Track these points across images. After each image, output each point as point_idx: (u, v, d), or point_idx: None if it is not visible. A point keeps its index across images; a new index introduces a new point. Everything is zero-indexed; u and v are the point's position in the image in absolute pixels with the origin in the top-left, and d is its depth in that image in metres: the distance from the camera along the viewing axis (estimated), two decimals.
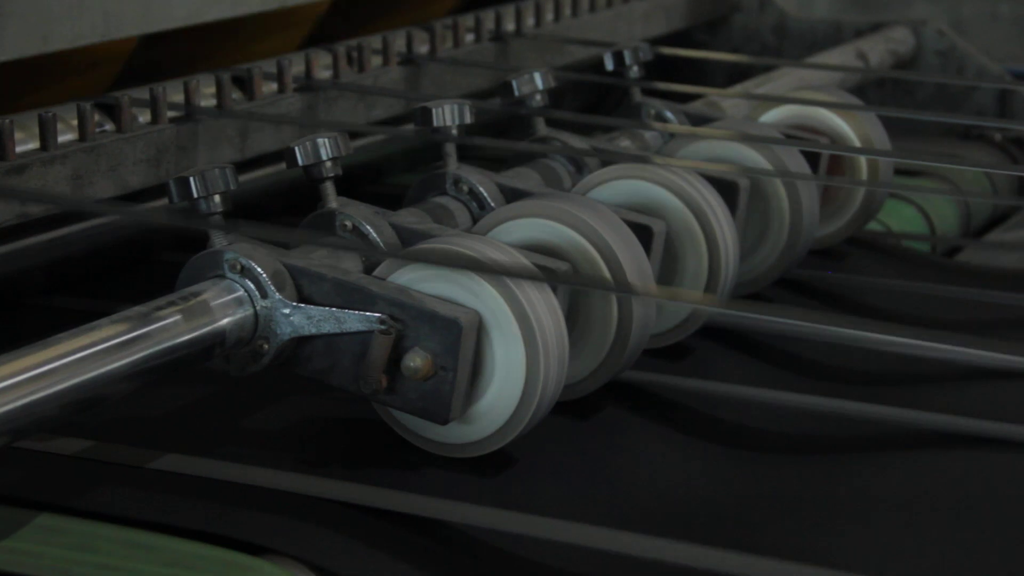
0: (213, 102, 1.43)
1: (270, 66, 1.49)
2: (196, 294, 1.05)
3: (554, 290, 1.10)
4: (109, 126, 1.34)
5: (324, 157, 1.15)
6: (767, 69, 1.91)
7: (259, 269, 1.06)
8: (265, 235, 1.07)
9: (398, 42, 1.63)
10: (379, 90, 1.58)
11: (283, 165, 1.17)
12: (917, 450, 1.18)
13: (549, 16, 1.85)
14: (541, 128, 1.40)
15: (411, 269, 1.07)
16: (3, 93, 1.37)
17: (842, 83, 1.90)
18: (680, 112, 1.51)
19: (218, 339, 1.05)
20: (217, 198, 1.08)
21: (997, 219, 1.92)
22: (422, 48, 1.67)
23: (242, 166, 1.38)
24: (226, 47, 1.59)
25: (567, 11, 1.88)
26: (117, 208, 1.31)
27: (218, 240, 1.07)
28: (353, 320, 1.06)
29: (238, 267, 1.06)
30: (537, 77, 1.40)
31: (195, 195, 1.07)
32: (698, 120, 1.50)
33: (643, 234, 1.21)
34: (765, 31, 2.22)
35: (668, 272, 1.28)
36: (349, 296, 1.06)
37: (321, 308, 1.06)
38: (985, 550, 1.05)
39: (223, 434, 1.14)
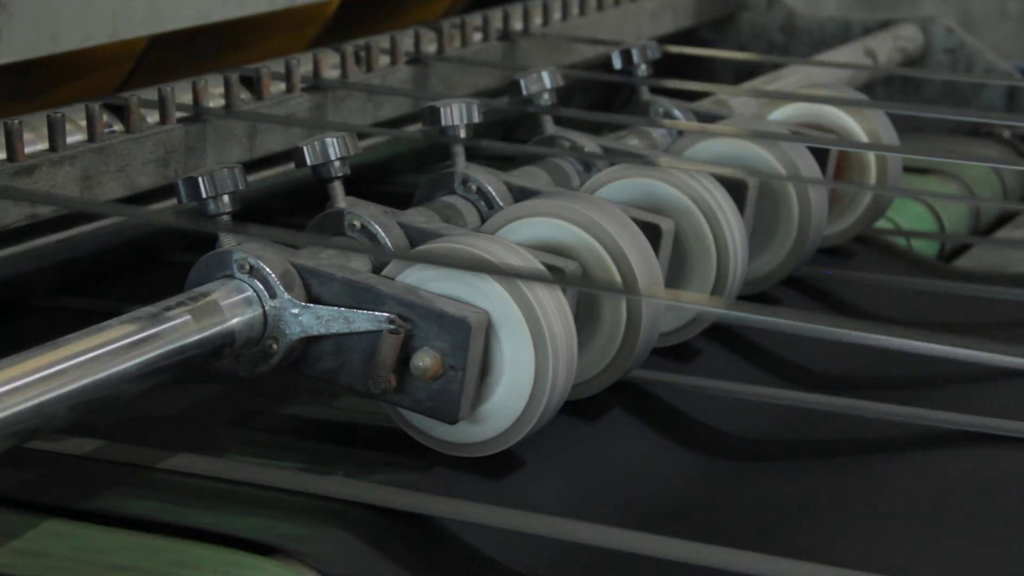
0: (221, 102, 1.43)
1: (278, 66, 1.49)
2: (205, 294, 1.05)
3: (563, 289, 1.10)
4: (118, 126, 1.34)
5: (332, 157, 1.15)
6: (775, 67, 1.91)
7: (268, 269, 1.06)
8: (274, 237, 1.07)
9: (406, 41, 1.63)
10: (387, 89, 1.58)
11: (291, 165, 1.18)
12: (926, 449, 1.18)
13: (557, 15, 1.85)
14: (549, 127, 1.40)
15: (420, 268, 1.07)
16: (13, 93, 1.38)
17: (851, 81, 1.90)
18: (688, 110, 1.51)
19: (227, 339, 1.05)
20: (226, 198, 1.08)
21: (1007, 216, 1.92)
22: (430, 47, 1.67)
23: (250, 166, 1.38)
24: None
25: (575, 10, 1.88)
26: (127, 210, 1.31)
27: (227, 240, 1.07)
28: (362, 320, 1.06)
29: (247, 267, 1.06)
30: (545, 76, 1.40)
31: (204, 195, 1.07)
32: (706, 118, 1.50)
33: (652, 233, 1.21)
34: (773, 29, 2.22)
35: (676, 271, 1.28)
36: (358, 296, 1.06)
37: (330, 308, 1.06)
38: (992, 547, 1.05)
39: (232, 434, 1.14)
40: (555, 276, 1.10)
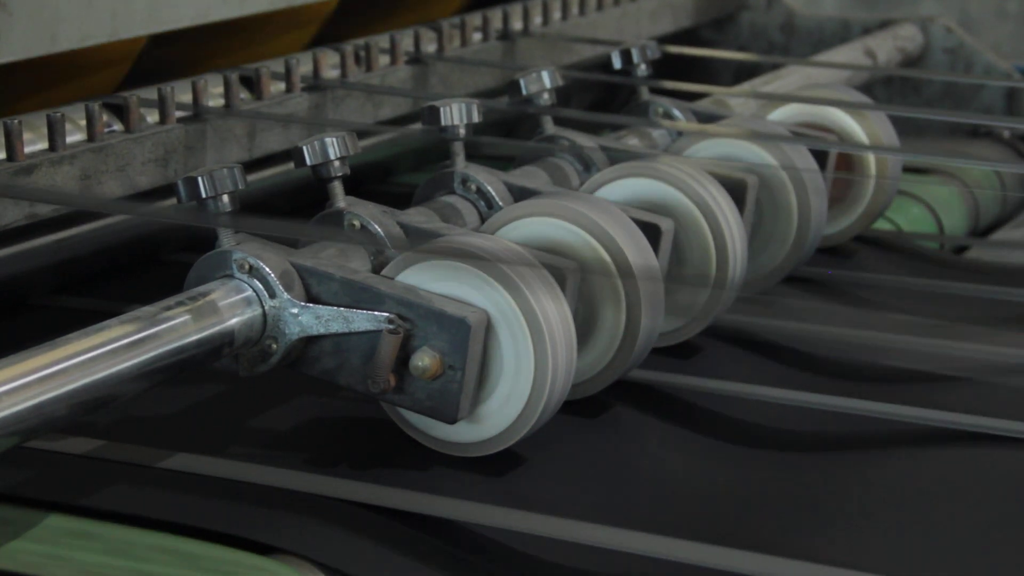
0: (221, 102, 1.43)
1: (278, 66, 1.49)
2: (204, 294, 1.05)
3: (562, 288, 1.10)
4: (117, 126, 1.34)
5: (332, 156, 1.15)
6: (775, 67, 1.91)
7: (267, 269, 1.06)
8: (274, 230, 1.07)
9: (406, 41, 1.63)
10: (387, 89, 1.58)
11: (291, 165, 1.18)
12: (926, 447, 1.18)
13: (556, 15, 1.85)
14: (549, 127, 1.40)
15: (419, 269, 1.07)
16: (11, 92, 1.38)
17: (850, 81, 1.90)
18: (688, 110, 1.51)
19: (227, 339, 1.05)
20: (225, 198, 1.08)
21: (1005, 217, 1.92)
22: (430, 47, 1.67)
23: (250, 166, 1.38)
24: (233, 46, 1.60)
25: (574, 9, 1.88)
26: (129, 207, 1.31)
27: (226, 240, 1.07)
28: (361, 320, 1.06)
29: (246, 267, 1.06)
30: (545, 76, 1.40)
31: (203, 195, 1.07)
32: (706, 118, 1.50)
33: (651, 232, 1.21)
34: (773, 29, 2.22)
35: (676, 271, 1.28)
36: (357, 295, 1.06)
37: (329, 308, 1.06)
38: (993, 545, 1.05)
39: (232, 434, 1.14)
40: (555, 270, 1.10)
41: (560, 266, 1.13)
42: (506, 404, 1.07)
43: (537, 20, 1.81)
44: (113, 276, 1.50)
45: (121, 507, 1.01)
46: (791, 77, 1.83)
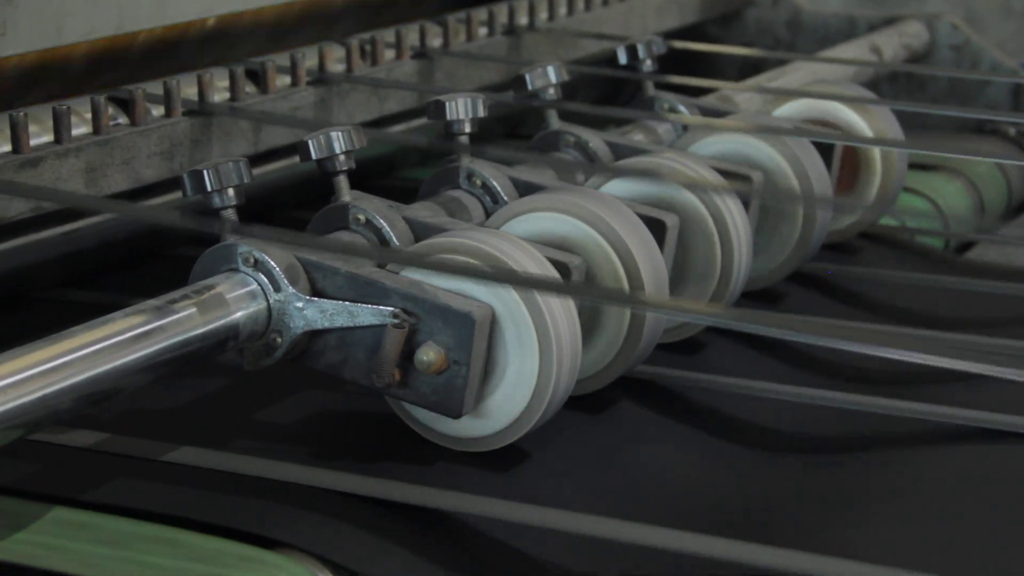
0: (227, 96, 1.43)
1: (283, 59, 1.49)
2: (210, 287, 1.05)
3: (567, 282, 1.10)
4: (123, 119, 1.34)
5: (338, 150, 1.15)
6: (780, 63, 1.91)
7: (272, 263, 1.06)
8: (277, 237, 1.07)
9: (411, 36, 1.63)
10: (392, 83, 1.58)
11: (296, 158, 1.18)
12: (930, 444, 1.18)
13: (562, 10, 1.85)
14: (554, 121, 1.40)
15: None
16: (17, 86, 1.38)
17: (855, 77, 1.90)
18: (693, 106, 1.51)
19: (232, 332, 1.05)
20: (231, 191, 1.08)
21: (1010, 213, 1.92)
22: (435, 42, 1.67)
23: (255, 159, 1.38)
24: None
25: (580, 5, 1.88)
26: (132, 207, 1.31)
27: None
28: (366, 314, 1.06)
29: (252, 260, 1.06)
30: (550, 71, 1.40)
31: (209, 188, 1.07)
32: (711, 114, 1.50)
33: (656, 228, 1.21)
34: (778, 25, 2.22)
35: (681, 267, 1.28)
36: (362, 290, 1.06)
37: (334, 302, 1.06)
38: (1008, 542, 1.05)
39: (237, 427, 1.14)
40: (560, 285, 1.10)
41: (565, 261, 1.13)
42: (511, 399, 1.07)
43: (543, 15, 1.81)
44: (118, 269, 1.50)
45: (125, 500, 1.01)
46: (796, 73, 1.83)
